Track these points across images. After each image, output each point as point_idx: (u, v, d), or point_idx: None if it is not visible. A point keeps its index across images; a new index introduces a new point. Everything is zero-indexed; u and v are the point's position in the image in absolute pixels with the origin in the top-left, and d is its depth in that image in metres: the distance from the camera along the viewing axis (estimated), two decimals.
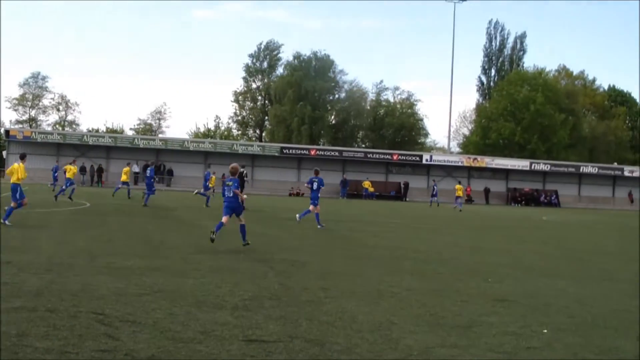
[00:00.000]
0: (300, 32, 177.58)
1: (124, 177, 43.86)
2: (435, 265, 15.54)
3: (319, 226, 25.98)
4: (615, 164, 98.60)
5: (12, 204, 20.95)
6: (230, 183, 17.97)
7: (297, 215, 27.30)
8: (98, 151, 79.00)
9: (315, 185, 27.56)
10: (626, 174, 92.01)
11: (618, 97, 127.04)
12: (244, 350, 7.24)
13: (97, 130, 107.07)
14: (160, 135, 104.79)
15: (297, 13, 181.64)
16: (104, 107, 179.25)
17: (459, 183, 57.84)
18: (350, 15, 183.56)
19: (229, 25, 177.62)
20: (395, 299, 10.72)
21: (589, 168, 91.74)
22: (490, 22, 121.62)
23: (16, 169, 21.38)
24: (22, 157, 22.50)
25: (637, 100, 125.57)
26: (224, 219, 17.81)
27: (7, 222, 20.20)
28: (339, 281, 12.21)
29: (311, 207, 27.01)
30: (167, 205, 37.48)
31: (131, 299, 9.53)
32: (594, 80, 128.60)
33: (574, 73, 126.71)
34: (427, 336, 8.23)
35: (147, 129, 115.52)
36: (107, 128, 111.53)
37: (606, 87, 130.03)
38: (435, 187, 60.15)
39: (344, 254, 17.10)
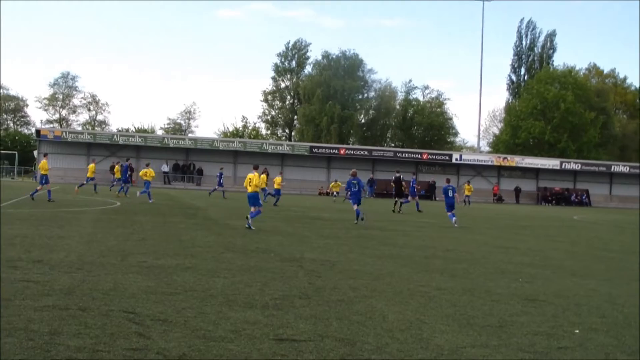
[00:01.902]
0: (326, 31, 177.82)
1: (89, 174, 46.75)
2: (466, 265, 15.49)
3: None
4: None
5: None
6: (355, 182, 29.78)
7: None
8: (128, 151, 79.33)
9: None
10: None
11: None
12: (275, 349, 7.24)
13: (126, 130, 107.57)
14: (189, 135, 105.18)
15: (323, 11, 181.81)
16: (132, 107, 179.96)
17: (468, 183, 61.39)
18: (377, 14, 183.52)
19: (254, 24, 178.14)
20: (426, 298, 10.68)
21: (620, 167, 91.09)
22: (521, 20, 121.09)
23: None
24: (45, 155, 38.27)
25: None
26: (355, 206, 28.85)
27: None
28: (369, 280, 12.19)
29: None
30: (197, 205, 37.58)
31: (162, 298, 9.56)
32: (624, 78, 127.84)
33: (605, 71, 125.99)
34: (458, 336, 8.20)
35: (177, 129, 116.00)
36: (136, 128, 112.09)
37: (637, 86, 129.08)
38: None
39: (373, 254, 17.06)
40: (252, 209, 23.57)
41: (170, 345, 7.15)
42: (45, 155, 37.66)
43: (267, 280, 11.61)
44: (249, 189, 23.81)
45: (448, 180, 32.76)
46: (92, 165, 47.41)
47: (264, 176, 39.17)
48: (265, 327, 8.13)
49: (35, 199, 32.40)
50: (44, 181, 34.03)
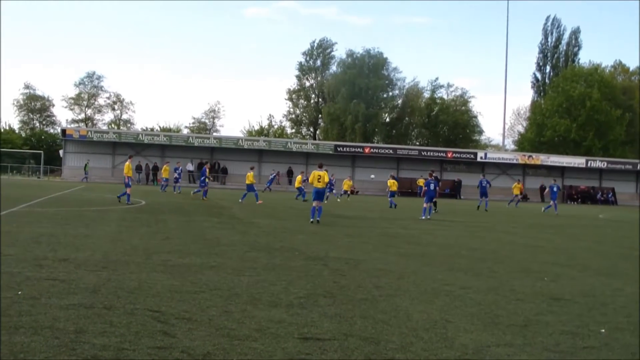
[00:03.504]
0: (351, 29, 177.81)
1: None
2: (490, 264, 15.44)
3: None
4: None
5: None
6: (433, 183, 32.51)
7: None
8: (153, 150, 79.78)
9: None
10: None
11: None
12: (299, 347, 7.24)
13: (151, 129, 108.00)
14: (214, 134, 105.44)
15: (348, 9, 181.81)
16: (157, 107, 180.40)
17: (518, 182, 59.50)
18: (401, 13, 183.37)
19: (279, 22, 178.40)
20: (450, 297, 10.66)
21: None
22: (547, 18, 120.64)
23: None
24: (130, 157, 37.12)
25: None
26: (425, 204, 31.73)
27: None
28: (393, 279, 12.18)
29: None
30: (222, 204, 37.68)
31: (187, 297, 9.58)
32: None
33: (631, 69, 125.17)
34: (483, 335, 8.18)
35: (202, 128, 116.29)
36: (160, 127, 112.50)
37: None
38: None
39: (397, 252, 17.04)
40: (316, 203, 26.25)
41: (195, 343, 7.16)
42: (130, 157, 37.21)
43: (292, 279, 11.62)
44: (318, 185, 26.53)
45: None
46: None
47: (250, 174, 41.38)
48: (290, 326, 8.13)
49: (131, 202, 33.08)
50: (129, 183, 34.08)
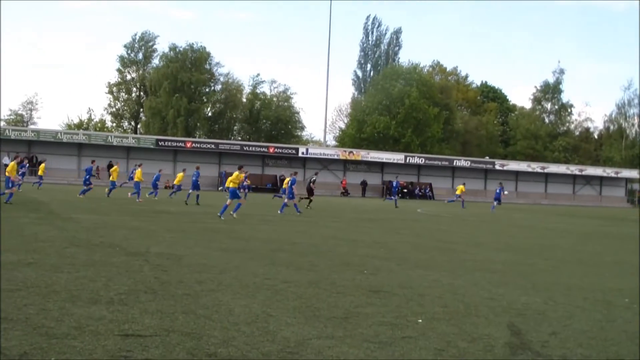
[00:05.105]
0: (172, 22, 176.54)
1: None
2: (312, 258, 15.63)
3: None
4: (487, 157, 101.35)
5: None
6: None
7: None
8: None
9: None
10: (497, 167, 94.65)
11: (490, 93, 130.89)
12: (120, 345, 7.13)
13: None
14: (31, 127, 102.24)
15: (169, 3, 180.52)
16: None
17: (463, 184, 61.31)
18: (225, 7, 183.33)
19: (99, 13, 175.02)
20: (272, 291, 10.73)
21: (462, 162, 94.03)
22: (367, 17, 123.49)
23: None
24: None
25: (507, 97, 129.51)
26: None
27: None
28: (215, 274, 12.15)
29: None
30: (41, 199, 36.65)
31: (2, 295, 9.25)
32: (466, 76, 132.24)
33: (448, 69, 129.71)
34: (304, 328, 8.27)
35: (19, 120, 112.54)
36: None
37: (478, 84, 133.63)
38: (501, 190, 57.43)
39: (219, 247, 17.04)
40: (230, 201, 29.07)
41: (11, 344, 6.93)
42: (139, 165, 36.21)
43: (112, 275, 11.43)
44: (231, 185, 29.46)
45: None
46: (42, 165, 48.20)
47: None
48: (110, 323, 7.99)
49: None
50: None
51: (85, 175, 43.06)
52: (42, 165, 53.92)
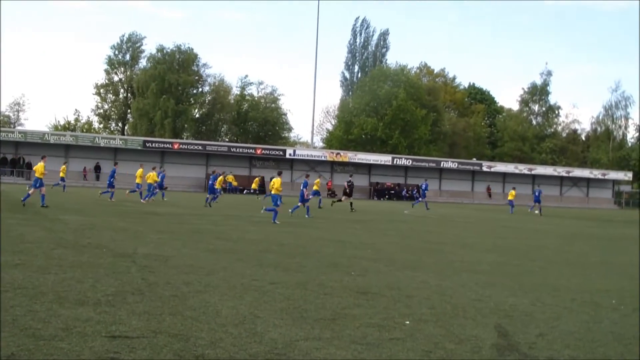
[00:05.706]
0: (162, 22, 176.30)
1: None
2: (299, 259, 15.62)
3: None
4: (474, 159, 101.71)
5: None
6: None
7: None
8: None
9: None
10: (484, 169, 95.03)
11: (477, 94, 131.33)
12: (107, 346, 7.09)
13: None
14: (19, 128, 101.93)
15: (158, 3, 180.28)
16: None
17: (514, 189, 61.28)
18: (213, 7, 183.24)
19: (84, 13, 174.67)
20: (259, 292, 10.70)
21: (449, 163, 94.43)
22: (356, 19, 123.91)
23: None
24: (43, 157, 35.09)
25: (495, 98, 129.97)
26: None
27: None
28: (203, 275, 12.12)
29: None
30: (29, 200, 36.46)
31: None
32: (454, 77, 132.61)
33: (435, 71, 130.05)
34: (291, 329, 8.25)
35: (5, 121, 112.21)
36: None
37: (466, 85, 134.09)
38: (539, 192, 58.35)
39: (207, 248, 17.01)
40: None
41: None
42: (43, 157, 34.95)
43: (100, 277, 11.38)
44: (274, 191, 30.10)
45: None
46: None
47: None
48: (97, 324, 7.95)
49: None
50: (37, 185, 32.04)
51: (109, 178, 43.16)
52: (64, 166, 53.93)
